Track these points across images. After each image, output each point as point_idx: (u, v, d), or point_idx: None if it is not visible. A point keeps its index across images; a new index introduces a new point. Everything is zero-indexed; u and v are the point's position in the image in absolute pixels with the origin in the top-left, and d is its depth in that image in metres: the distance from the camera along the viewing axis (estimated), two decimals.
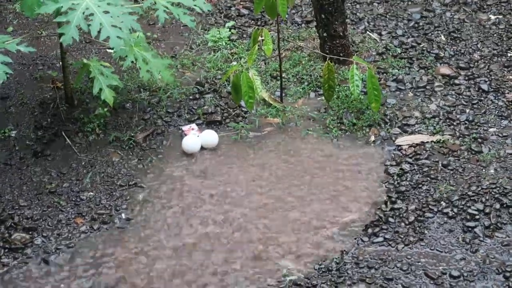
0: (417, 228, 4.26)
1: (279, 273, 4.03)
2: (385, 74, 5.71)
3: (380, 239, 4.21)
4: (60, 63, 5.27)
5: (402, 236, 4.21)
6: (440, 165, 4.74)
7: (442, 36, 6.28)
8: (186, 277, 4.02)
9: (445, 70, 5.77)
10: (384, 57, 5.97)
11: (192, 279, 4.00)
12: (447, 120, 5.19)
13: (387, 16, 6.65)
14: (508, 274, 3.87)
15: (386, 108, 5.31)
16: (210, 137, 5.04)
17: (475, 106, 5.33)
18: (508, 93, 5.45)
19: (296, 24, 6.60)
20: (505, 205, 4.34)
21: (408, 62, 5.89)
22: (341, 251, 4.15)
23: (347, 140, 5.08)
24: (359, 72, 5.03)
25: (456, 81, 5.62)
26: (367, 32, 6.39)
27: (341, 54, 5.67)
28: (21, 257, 4.20)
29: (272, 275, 4.02)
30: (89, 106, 5.30)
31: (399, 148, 4.96)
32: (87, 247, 4.26)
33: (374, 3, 6.91)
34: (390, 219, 4.34)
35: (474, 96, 5.44)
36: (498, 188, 4.46)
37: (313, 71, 5.77)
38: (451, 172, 4.68)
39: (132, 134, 5.11)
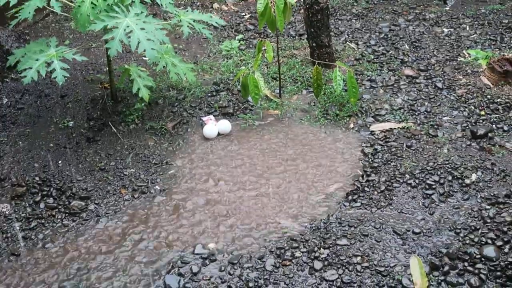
0: (387, 195, 4.27)
1: (280, 230, 4.06)
2: (361, 75, 5.72)
3: (358, 204, 4.22)
4: (107, 68, 5.29)
5: (375, 202, 4.22)
6: (405, 146, 4.74)
7: (406, 45, 6.27)
8: (203, 224, 4.06)
9: (408, 71, 5.77)
10: (361, 62, 5.97)
11: (209, 228, 4.04)
12: (410, 111, 5.19)
13: (363, 30, 6.65)
14: (458, 231, 3.88)
15: (362, 102, 5.31)
16: (225, 125, 5.06)
17: (432, 100, 5.33)
18: (458, 89, 5.45)
19: (291, 37, 6.60)
20: (455, 177, 4.35)
21: (379, 66, 5.89)
22: (327, 213, 4.17)
23: (332, 127, 5.09)
24: (341, 73, 5.03)
25: (417, 80, 5.62)
26: (347, 42, 6.38)
27: (327, 60, 5.68)
28: (78, 219, 4.22)
29: (275, 230, 4.05)
30: (129, 102, 5.32)
31: (373, 133, 4.96)
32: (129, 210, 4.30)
33: (352, 20, 6.90)
34: (366, 189, 4.35)
35: (431, 92, 5.44)
36: (450, 164, 4.47)
37: (304, 73, 5.78)
38: (413, 151, 4.69)
39: (164, 124, 5.13)
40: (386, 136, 4.88)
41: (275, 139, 4.98)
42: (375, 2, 7.35)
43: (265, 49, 5.12)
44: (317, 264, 3.71)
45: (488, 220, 3.93)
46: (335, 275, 3.63)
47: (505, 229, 3.84)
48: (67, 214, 4.26)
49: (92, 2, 4.41)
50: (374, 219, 4.06)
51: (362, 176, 4.48)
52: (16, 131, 5.07)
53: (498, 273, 3.58)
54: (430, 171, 4.42)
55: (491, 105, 5.17)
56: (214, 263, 3.79)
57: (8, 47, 5.64)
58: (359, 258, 3.74)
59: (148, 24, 4.42)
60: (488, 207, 4.05)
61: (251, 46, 6.38)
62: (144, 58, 6.07)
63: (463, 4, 7.29)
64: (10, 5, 4.51)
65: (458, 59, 5.94)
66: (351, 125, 5.08)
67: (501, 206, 4.05)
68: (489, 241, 3.77)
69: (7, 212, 4.27)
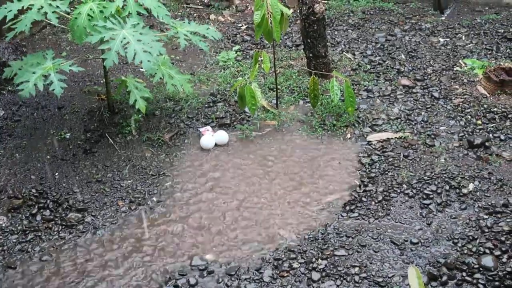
0: (384, 205, 4.26)
1: (278, 241, 4.03)
2: (358, 85, 5.71)
3: (356, 214, 4.21)
4: (104, 80, 5.27)
5: (372, 212, 4.21)
6: (402, 156, 4.73)
7: (402, 55, 6.27)
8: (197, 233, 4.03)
9: (405, 81, 5.76)
10: (357, 72, 5.96)
11: (204, 237, 4.01)
12: (407, 121, 5.18)
13: (359, 40, 6.64)
14: (456, 241, 3.87)
15: (359, 112, 5.30)
16: (222, 136, 5.04)
17: (429, 109, 5.32)
18: (454, 99, 5.44)
19: (288, 47, 6.60)
20: (453, 187, 4.33)
21: (376, 76, 5.88)
22: (325, 224, 4.14)
23: (329, 137, 5.08)
24: (338, 84, 5.02)
25: (414, 90, 5.61)
26: (344, 52, 6.38)
27: (323, 70, 5.67)
28: (75, 232, 4.20)
29: (272, 241, 4.03)
30: (126, 113, 5.30)
31: (370, 143, 4.95)
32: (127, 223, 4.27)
33: (349, 30, 6.90)
34: (363, 199, 4.33)
35: (428, 102, 5.43)
36: (447, 174, 4.46)
37: (301, 83, 5.77)
38: (411, 161, 4.67)
39: (161, 135, 5.11)
40: (383, 146, 4.87)
41: (272, 149, 4.96)
42: (371, 13, 7.35)
43: (261, 60, 5.11)
44: (315, 275, 3.69)
45: (486, 230, 3.92)
46: (333, 286, 3.62)
47: (503, 238, 3.82)
48: (63, 227, 4.23)
49: (88, 14, 4.41)
50: (371, 229, 4.04)
51: (360, 186, 4.47)
52: (13, 143, 5.05)
53: (497, 283, 3.56)
54: (427, 181, 4.41)
55: (487, 114, 5.16)
56: (211, 275, 3.76)
57: (5, 59, 5.63)
58: (357, 268, 3.72)
59: (145, 35, 4.41)
60: (485, 216, 4.04)
61: (248, 57, 6.37)
62: (141, 69, 6.06)
63: (459, 14, 7.30)
64: (7, 19, 4.50)
65: (455, 69, 5.94)
66: (348, 135, 5.07)
67: (499, 215, 4.04)
68: (487, 250, 3.76)
69: (3, 225, 4.24)
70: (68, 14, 4.65)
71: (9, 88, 5.68)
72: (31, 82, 4.41)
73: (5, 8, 4.56)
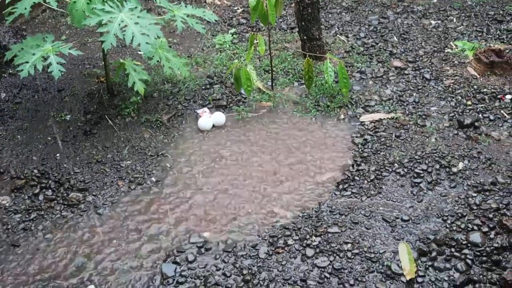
0: (377, 184, 4.30)
1: (273, 218, 4.08)
2: (351, 67, 5.73)
3: (349, 192, 4.24)
4: (102, 62, 5.28)
5: (365, 190, 4.24)
6: (394, 136, 4.77)
7: (395, 37, 6.28)
8: (193, 210, 4.08)
9: (397, 63, 5.78)
10: (351, 54, 5.98)
11: (202, 215, 4.06)
12: (399, 102, 5.21)
13: (352, 23, 6.65)
14: (445, 218, 3.92)
15: (352, 93, 5.33)
16: (219, 117, 5.06)
17: (420, 90, 5.35)
18: (445, 80, 5.47)
19: (283, 30, 6.60)
20: (443, 166, 4.38)
21: (369, 58, 5.90)
22: (319, 202, 4.19)
23: (323, 118, 5.10)
24: (332, 65, 5.04)
25: (406, 72, 5.64)
26: (337, 35, 6.39)
27: (318, 52, 5.69)
28: (77, 211, 4.23)
29: (268, 219, 4.07)
30: (125, 95, 5.32)
31: (363, 123, 4.98)
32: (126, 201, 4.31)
33: (342, 13, 6.90)
34: (356, 178, 4.37)
35: (419, 83, 5.46)
36: (437, 153, 4.50)
37: (296, 65, 5.78)
38: (402, 141, 4.71)
39: (159, 116, 5.13)
40: (376, 126, 4.90)
41: (268, 130, 4.99)
42: None
43: (257, 43, 5.12)
44: (309, 252, 3.74)
45: (475, 207, 3.97)
46: (326, 262, 3.66)
47: (490, 215, 3.87)
48: (65, 206, 4.27)
49: None
50: (364, 207, 4.08)
51: (353, 166, 4.50)
52: (14, 125, 5.07)
53: (484, 258, 3.61)
54: (418, 160, 4.44)
55: (477, 95, 5.19)
56: (209, 251, 3.81)
57: (5, 43, 5.62)
58: (349, 245, 3.77)
59: (143, 19, 4.41)
60: (474, 194, 4.09)
61: (243, 39, 6.37)
62: (139, 52, 6.06)
63: None
64: (6, 2, 4.50)
65: (446, 51, 5.96)
66: (342, 116, 5.10)
67: (487, 193, 4.09)
68: (475, 227, 3.80)
69: (7, 204, 4.28)
70: None
71: (10, 71, 5.68)
72: (31, 63, 4.42)
73: None
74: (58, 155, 4.74)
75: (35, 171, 4.54)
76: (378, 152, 4.61)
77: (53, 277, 3.70)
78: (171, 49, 5.18)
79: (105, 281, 3.66)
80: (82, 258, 3.82)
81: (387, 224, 3.92)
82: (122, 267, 3.75)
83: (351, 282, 3.52)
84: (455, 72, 5.56)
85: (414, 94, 5.29)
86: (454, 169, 4.33)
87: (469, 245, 3.69)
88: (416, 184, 4.25)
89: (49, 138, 4.91)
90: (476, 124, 4.81)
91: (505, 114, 4.96)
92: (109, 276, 3.69)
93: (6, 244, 3.96)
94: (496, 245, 3.66)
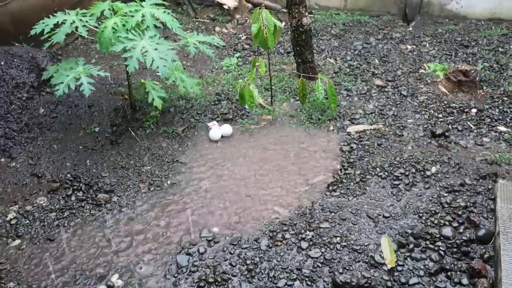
0: (361, 185, 4.26)
1: (273, 216, 4.04)
2: (339, 86, 5.71)
3: (337, 193, 4.21)
4: (127, 82, 5.27)
5: (352, 191, 4.21)
6: (376, 144, 4.74)
7: (376, 60, 6.26)
8: (200, 210, 4.04)
9: (378, 82, 5.76)
10: (338, 74, 5.96)
11: (209, 213, 4.02)
12: (380, 115, 5.19)
13: (340, 48, 6.63)
14: (421, 215, 3.88)
15: (340, 108, 5.30)
16: (227, 129, 5.04)
17: (398, 105, 5.33)
18: (419, 96, 5.44)
19: (280, 54, 6.59)
20: (418, 170, 4.34)
21: (354, 78, 5.88)
22: (312, 201, 4.16)
23: (315, 129, 5.08)
24: (322, 84, 5.02)
25: (386, 89, 5.61)
26: (327, 58, 6.37)
27: (310, 73, 5.67)
28: (104, 209, 4.21)
29: (268, 216, 4.04)
30: (146, 110, 5.30)
31: (349, 134, 4.95)
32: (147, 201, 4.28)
33: (332, 39, 6.88)
34: (344, 180, 4.34)
35: (397, 99, 5.43)
36: (413, 159, 4.46)
37: (292, 84, 5.76)
38: (383, 149, 4.68)
39: (175, 128, 5.11)
40: (361, 136, 4.87)
41: (268, 140, 4.96)
42: (351, 25, 7.34)
43: (258, 65, 5.10)
44: (304, 244, 3.70)
45: (446, 206, 3.93)
46: (318, 253, 3.63)
47: (460, 212, 3.83)
48: (94, 205, 4.24)
49: (113, 27, 4.40)
50: (351, 205, 4.05)
51: (341, 170, 4.47)
52: (51, 136, 5.05)
53: (455, 249, 3.58)
54: (397, 165, 4.41)
55: (447, 109, 5.16)
56: (217, 244, 3.78)
57: (44, 65, 5.61)
58: (338, 238, 3.74)
59: (161, 45, 4.40)
60: (445, 194, 4.05)
61: (247, 62, 6.36)
62: (157, 73, 6.05)
63: (423, 25, 7.28)
64: (45, 32, 4.51)
65: (420, 71, 5.93)
66: (331, 127, 5.07)
67: (456, 193, 4.05)
68: (447, 223, 3.77)
69: (44, 204, 4.25)
70: (96, 27, 4.64)
71: (48, 90, 5.66)
72: (65, 83, 4.41)
73: (43, 23, 4.57)
74: (88, 161, 4.71)
75: (68, 175, 4.52)
76: (363, 158, 4.58)
77: (83, 267, 3.67)
78: (185, 71, 5.17)
79: (128, 270, 3.63)
80: (107, 251, 3.79)
81: (371, 220, 3.88)
82: (142, 259, 3.71)
83: (340, 270, 3.48)
84: (428, 89, 5.54)
85: (393, 108, 5.26)
86: (428, 173, 4.30)
87: (441, 238, 3.65)
88: (396, 185, 4.22)
89: (81, 147, 4.89)
90: (447, 134, 4.79)
91: (471, 125, 4.93)
92: (131, 266, 3.66)
93: (43, 238, 3.94)
94: (465, 238, 3.62)
